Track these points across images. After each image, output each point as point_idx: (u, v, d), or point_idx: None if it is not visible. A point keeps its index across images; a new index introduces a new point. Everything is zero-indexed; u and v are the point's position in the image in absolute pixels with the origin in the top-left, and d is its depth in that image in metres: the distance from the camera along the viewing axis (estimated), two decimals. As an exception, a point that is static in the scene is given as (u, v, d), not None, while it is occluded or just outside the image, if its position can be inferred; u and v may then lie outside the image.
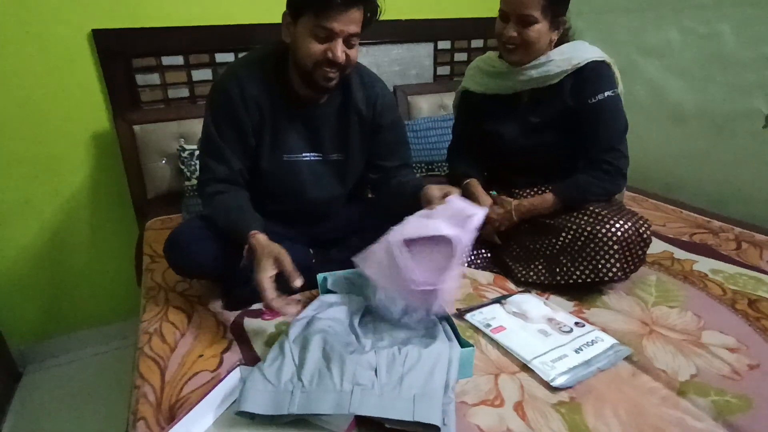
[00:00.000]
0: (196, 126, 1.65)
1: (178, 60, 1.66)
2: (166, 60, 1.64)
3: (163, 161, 1.63)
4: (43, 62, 1.52)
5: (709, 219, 1.44)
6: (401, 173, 1.17)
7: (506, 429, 0.72)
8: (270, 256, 0.87)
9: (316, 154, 1.13)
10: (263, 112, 1.05)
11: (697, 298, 1.05)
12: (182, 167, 1.58)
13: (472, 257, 1.24)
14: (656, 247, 1.28)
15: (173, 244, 1.03)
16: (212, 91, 1.07)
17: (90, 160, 1.66)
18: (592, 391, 0.79)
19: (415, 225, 0.88)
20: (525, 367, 0.85)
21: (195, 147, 1.58)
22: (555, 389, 0.79)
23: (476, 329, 0.96)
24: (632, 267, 1.04)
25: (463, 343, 0.84)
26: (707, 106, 1.65)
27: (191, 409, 0.76)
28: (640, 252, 1.04)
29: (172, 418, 0.77)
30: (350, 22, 0.92)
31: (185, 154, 1.57)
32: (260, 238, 0.91)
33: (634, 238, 1.02)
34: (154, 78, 1.64)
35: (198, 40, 1.67)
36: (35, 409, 1.58)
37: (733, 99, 1.56)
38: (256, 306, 1.07)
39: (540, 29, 1.10)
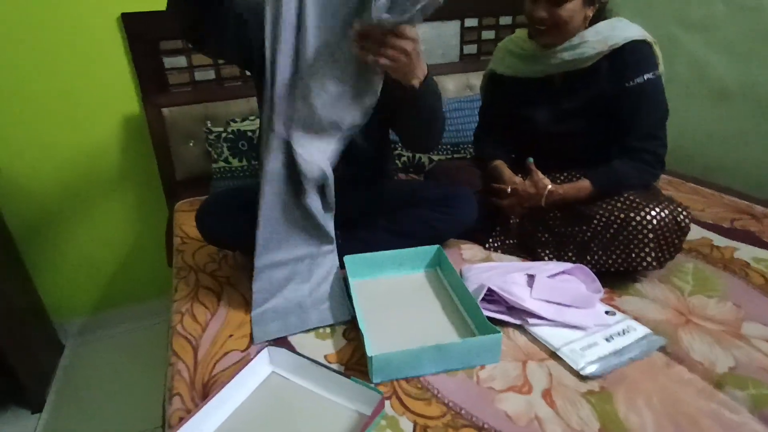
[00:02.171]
0: (222, 108, 1.67)
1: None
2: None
3: (191, 143, 1.65)
4: (75, 48, 1.54)
5: (751, 204, 1.37)
6: None
7: (534, 416, 0.71)
8: None
9: None
10: None
11: (738, 287, 1.00)
12: (210, 149, 1.59)
13: (498, 243, 1.22)
14: (694, 233, 1.23)
15: (206, 212, 1.07)
16: None
17: (121, 143, 1.70)
18: (624, 380, 0.77)
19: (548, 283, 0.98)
20: (554, 355, 0.84)
21: (221, 129, 1.59)
22: (584, 378, 0.78)
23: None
24: (668, 256, 1.00)
25: (489, 329, 0.83)
26: (752, 84, 1.55)
27: (220, 389, 0.77)
28: (676, 241, 1.00)
29: (206, 395, 0.79)
30: None
31: (212, 137, 1.59)
32: None
33: (670, 226, 0.98)
34: (181, 61, 1.65)
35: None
36: (77, 380, 1.66)
37: (780, 76, 1.47)
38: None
39: (573, 7, 1.04)
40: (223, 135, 1.58)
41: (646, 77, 1.07)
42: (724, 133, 1.67)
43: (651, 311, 0.94)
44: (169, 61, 1.64)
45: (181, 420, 0.72)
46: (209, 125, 1.62)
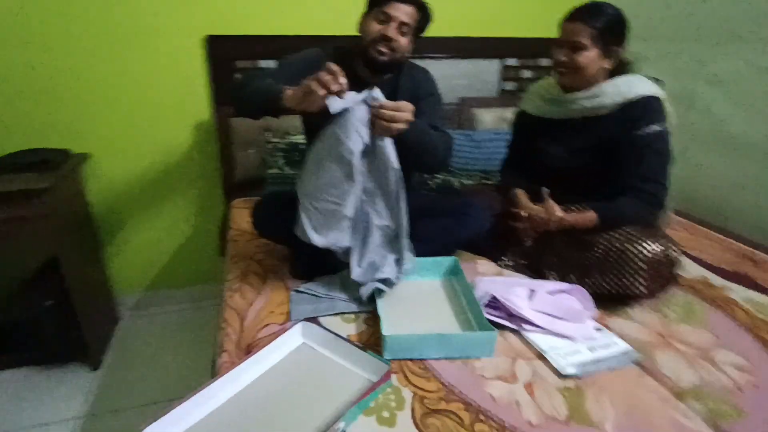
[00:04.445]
0: (281, 122, 1.89)
1: (270, 64, 1.91)
2: (262, 63, 1.91)
3: (251, 150, 1.89)
4: (164, 63, 1.83)
5: (756, 250, 1.45)
6: None
7: (515, 401, 0.85)
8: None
9: None
10: None
11: (720, 320, 1.10)
12: (266, 157, 1.83)
13: (511, 262, 1.36)
14: (694, 272, 1.34)
15: (260, 209, 1.30)
16: (292, 54, 1.32)
17: (192, 145, 1.97)
18: (597, 382, 0.90)
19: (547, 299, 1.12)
20: (541, 356, 0.97)
21: (278, 140, 1.82)
22: (564, 376, 0.91)
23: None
24: (658, 286, 1.12)
25: (487, 328, 0.98)
26: (765, 138, 1.64)
27: (259, 350, 0.95)
28: (667, 272, 1.11)
29: (248, 352, 0.98)
30: (404, 12, 1.20)
31: (270, 146, 1.82)
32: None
33: (662, 259, 1.10)
34: (251, 78, 1.91)
35: (288, 47, 1.89)
36: (129, 348, 1.90)
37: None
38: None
39: (589, 56, 1.19)
40: (280, 145, 1.81)
41: (653, 128, 1.20)
42: (736, 183, 1.75)
43: (635, 332, 1.06)
44: (240, 78, 1.90)
45: (228, 369, 0.90)
46: (269, 136, 1.86)
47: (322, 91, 0.97)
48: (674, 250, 1.11)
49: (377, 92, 1.03)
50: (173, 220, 2.06)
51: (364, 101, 1.03)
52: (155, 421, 0.77)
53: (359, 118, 1.03)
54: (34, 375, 1.72)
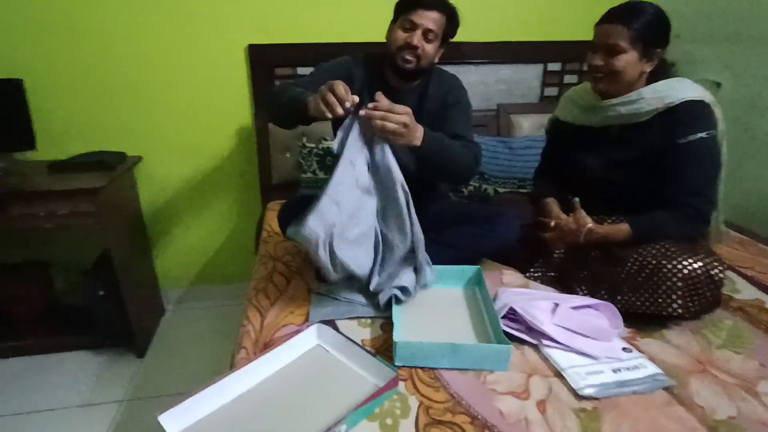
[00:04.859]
0: (316, 127, 1.92)
1: (308, 70, 1.95)
2: (300, 70, 1.97)
3: (288, 154, 1.95)
4: (209, 70, 1.93)
5: (823, 274, 1.30)
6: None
7: (524, 417, 0.82)
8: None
9: None
10: (363, 89, 1.30)
11: (771, 349, 1.00)
12: (301, 161, 1.87)
13: (539, 274, 1.31)
14: (749, 293, 1.22)
15: (286, 212, 1.34)
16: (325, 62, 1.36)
17: (233, 148, 2.06)
18: (618, 406, 0.84)
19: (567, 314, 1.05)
20: (558, 374, 0.93)
21: (313, 145, 1.87)
22: (581, 397, 0.86)
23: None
24: (698, 307, 1.03)
25: (503, 341, 0.95)
26: None
27: (274, 348, 0.98)
28: (708, 293, 1.02)
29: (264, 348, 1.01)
30: (428, 19, 1.20)
31: (305, 151, 1.87)
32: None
33: (702, 278, 1.01)
34: (290, 85, 1.97)
35: (325, 54, 1.94)
36: (172, 338, 2.02)
37: None
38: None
39: (628, 59, 1.13)
40: (314, 150, 1.85)
41: (698, 135, 1.11)
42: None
43: (669, 355, 0.98)
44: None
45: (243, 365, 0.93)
46: (304, 141, 1.91)
47: (328, 114, 1.00)
48: (719, 269, 1.02)
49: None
50: (216, 220, 2.16)
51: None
52: (166, 411, 0.81)
53: (359, 130, 1.05)
54: (85, 358, 1.86)
